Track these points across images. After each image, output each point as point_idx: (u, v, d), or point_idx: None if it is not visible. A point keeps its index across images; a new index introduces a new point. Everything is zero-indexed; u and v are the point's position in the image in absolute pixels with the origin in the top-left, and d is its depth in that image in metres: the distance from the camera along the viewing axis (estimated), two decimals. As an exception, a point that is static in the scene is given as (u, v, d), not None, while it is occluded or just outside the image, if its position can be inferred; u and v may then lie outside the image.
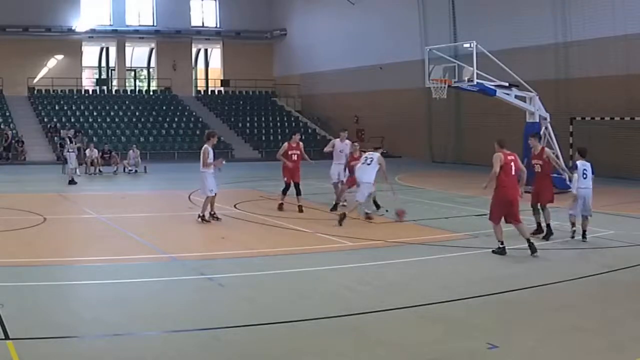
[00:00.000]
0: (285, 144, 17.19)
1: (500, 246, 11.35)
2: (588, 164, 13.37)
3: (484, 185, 11.61)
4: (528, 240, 11.32)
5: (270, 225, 14.35)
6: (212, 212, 14.58)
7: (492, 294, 8.77)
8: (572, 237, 12.94)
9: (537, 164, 13.72)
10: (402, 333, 7.32)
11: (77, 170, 24.60)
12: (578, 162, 13.39)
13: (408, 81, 31.86)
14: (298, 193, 16.63)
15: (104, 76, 45.55)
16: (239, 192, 21.14)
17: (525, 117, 20.58)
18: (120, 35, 44.22)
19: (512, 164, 11.52)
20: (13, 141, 33.63)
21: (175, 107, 42.32)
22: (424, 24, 33.53)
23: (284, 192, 16.79)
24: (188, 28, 45.31)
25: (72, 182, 22.57)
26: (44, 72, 42.21)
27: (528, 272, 10.09)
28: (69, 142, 23.91)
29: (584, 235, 12.80)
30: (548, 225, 13.12)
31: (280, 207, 16.43)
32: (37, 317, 7.61)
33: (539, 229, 13.18)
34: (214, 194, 14.41)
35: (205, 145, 14.51)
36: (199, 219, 14.35)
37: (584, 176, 13.24)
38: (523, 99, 20.33)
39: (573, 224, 13.06)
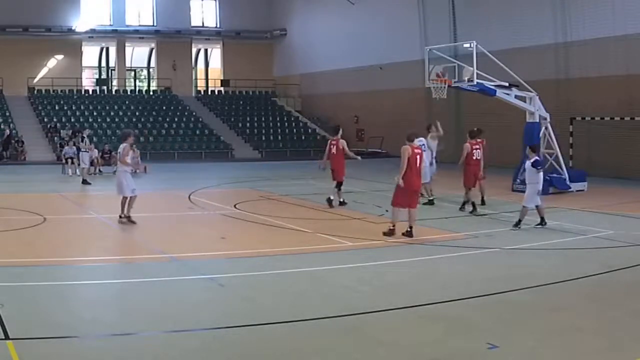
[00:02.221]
0: (344, 140, 17.45)
1: (391, 228, 12.66)
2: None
3: (395, 179, 12.73)
4: (410, 227, 12.58)
5: (270, 225, 14.35)
6: (126, 214, 14.18)
7: (492, 294, 8.77)
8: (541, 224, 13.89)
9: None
10: (402, 333, 7.32)
11: (77, 170, 24.61)
12: (539, 158, 13.96)
13: (408, 81, 31.85)
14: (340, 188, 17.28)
15: (104, 76, 45.55)
16: (239, 192, 21.16)
17: (525, 117, 20.57)
18: (120, 35, 44.21)
19: (418, 157, 12.80)
20: (13, 141, 33.61)
21: (175, 107, 42.32)
22: (424, 24, 33.53)
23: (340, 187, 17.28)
24: (188, 28, 45.30)
25: (85, 182, 22.57)
26: (44, 72, 42.20)
27: (528, 272, 10.08)
28: (81, 142, 23.94)
29: (544, 221, 13.86)
30: (473, 203, 16.07)
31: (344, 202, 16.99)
32: (37, 317, 7.61)
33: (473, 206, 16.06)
34: (135, 195, 14.22)
35: (125, 144, 14.38)
36: (124, 219, 14.03)
37: None
38: (523, 99, 20.31)
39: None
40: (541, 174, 13.78)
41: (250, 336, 7.23)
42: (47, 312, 7.84)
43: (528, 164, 13.89)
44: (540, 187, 13.76)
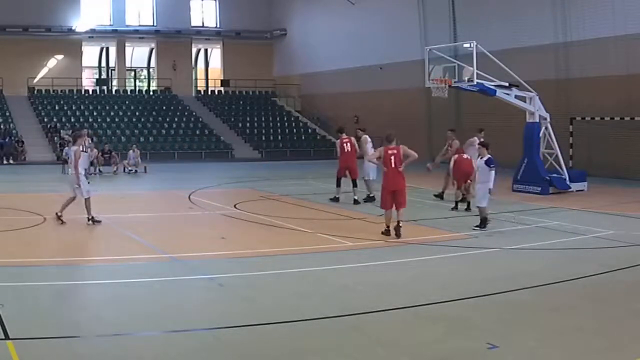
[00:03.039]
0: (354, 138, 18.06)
1: (386, 228, 12.68)
2: None
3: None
4: (398, 223, 12.56)
5: (270, 225, 14.35)
6: (91, 217, 13.99)
7: (492, 294, 8.77)
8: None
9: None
10: (402, 333, 7.33)
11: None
12: (492, 157, 13.58)
13: (408, 81, 31.84)
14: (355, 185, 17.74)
15: (104, 76, 45.54)
16: (239, 192, 21.16)
17: (525, 117, 20.57)
18: (120, 35, 44.21)
19: (393, 157, 12.76)
20: (13, 141, 33.61)
21: (175, 107, 42.32)
22: (424, 24, 33.51)
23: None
24: (188, 28, 45.29)
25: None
26: (44, 72, 42.18)
27: (528, 272, 10.08)
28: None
29: (484, 223, 13.60)
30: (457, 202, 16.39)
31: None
32: (37, 317, 7.61)
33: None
34: (90, 196, 14.07)
35: (77, 147, 14.21)
36: (90, 222, 13.87)
37: None
38: (523, 99, 20.31)
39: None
40: (493, 172, 13.37)
41: (250, 336, 7.23)
42: (47, 312, 7.84)
43: (481, 162, 13.50)
44: (491, 187, 13.32)
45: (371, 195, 17.47)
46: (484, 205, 13.49)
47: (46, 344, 6.84)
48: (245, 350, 6.81)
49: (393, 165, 12.71)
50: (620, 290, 9.21)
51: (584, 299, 8.73)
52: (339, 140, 18.00)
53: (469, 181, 16.10)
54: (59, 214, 14.01)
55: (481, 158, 13.59)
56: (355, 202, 17.28)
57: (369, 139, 18.16)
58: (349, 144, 17.63)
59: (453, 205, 16.41)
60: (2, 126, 34.87)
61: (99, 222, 14.00)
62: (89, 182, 14.58)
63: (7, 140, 33.39)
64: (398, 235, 12.45)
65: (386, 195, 12.82)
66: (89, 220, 13.99)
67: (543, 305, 8.42)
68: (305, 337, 7.26)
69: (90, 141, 24.83)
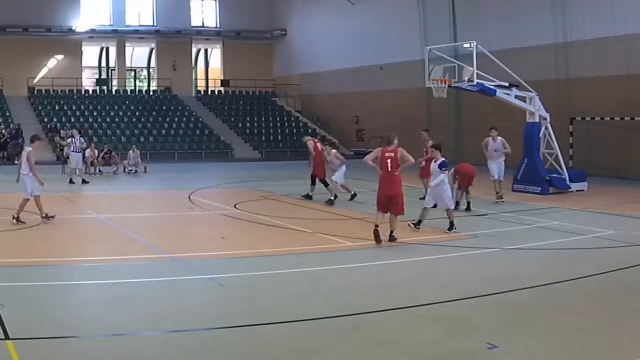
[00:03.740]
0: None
1: (375, 227, 12.03)
2: None
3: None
4: (391, 232, 12.12)
5: (270, 225, 14.35)
6: (16, 216, 13.88)
7: (492, 294, 8.77)
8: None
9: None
10: (402, 333, 7.32)
11: (77, 170, 24.49)
12: (446, 160, 13.47)
13: (408, 81, 31.85)
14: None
15: (104, 76, 45.57)
16: (239, 192, 21.16)
17: (525, 117, 20.57)
18: (120, 35, 44.24)
19: (389, 160, 12.18)
20: (13, 141, 33.58)
21: (175, 107, 42.34)
22: (424, 24, 33.52)
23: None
24: (188, 28, 45.33)
25: (84, 181, 22.64)
26: (44, 72, 42.22)
27: (528, 272, 10.08)
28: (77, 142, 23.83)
29: (418, 224, 13.42)
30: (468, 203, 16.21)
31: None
32: (37, 317, 7.61)
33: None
34: (38, 195, 14.05)
35: (30, 149, 14.19)
36: (15, 221, 13.77)
37: None
38: (523, 99, 20.30)
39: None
40: (443, 175, 13.19)
41: (250, 336, 7.23)
42: (47, 312, 7.84)
43: (435, 165, 13.32)
44: (440, 189, 13.19)
45: (332, 197, 17.77)
46: (451, 207, 13.48)
47: (46, 344, 6.84)
48: (245, 350, 6.81)
49: (389, 169, 12.17)
50: (620, 290, 9.21)
51: (584, 299, 8.73)
52: (311, 142, 18.73)
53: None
54: (44, 215, 14.03)
55: (435, 161, 13.41)
56: (308, 197, 18.21)
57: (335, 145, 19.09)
58: (319, 144, 18.72)
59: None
60: (14, 126, 34.87)
61: (23, 222, 13.80)
62: (43, 185, 14.41)
63: (19, 140, 33.40)
64: (390, 239, 12.13)
65: (380, 198, 12.30)
66: (14, 218, 13.85)
67: (543, 305, 8.42)
68: (305, 337, 7.26)
69: (83, 140, 24.79)
